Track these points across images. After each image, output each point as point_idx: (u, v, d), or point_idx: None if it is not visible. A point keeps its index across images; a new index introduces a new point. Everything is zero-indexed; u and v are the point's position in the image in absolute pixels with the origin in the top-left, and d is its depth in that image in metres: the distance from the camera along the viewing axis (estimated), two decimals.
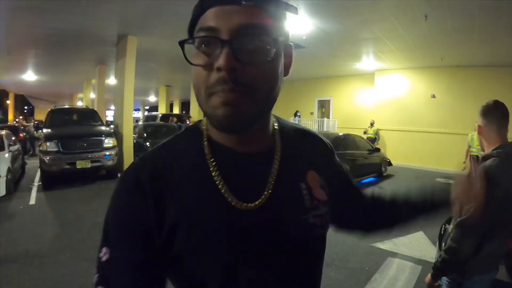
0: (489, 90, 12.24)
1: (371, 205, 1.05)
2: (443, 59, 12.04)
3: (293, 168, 0.80)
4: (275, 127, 0.84)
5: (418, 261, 4.62)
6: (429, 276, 1.94)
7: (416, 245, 5.27)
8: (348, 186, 1.03)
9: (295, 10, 0.71)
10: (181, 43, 0.70)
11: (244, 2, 0.62)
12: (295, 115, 17.27)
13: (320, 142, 0.95)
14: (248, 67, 0.62)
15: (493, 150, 1.88)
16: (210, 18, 0.64)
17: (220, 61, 0.60)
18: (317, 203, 0.80)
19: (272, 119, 0.84)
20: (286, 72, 0.75)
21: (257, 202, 0.71)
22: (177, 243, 0.67)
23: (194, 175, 0.72)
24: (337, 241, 5.12)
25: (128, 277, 0.65)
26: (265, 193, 0.72)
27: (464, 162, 8.50)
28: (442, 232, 2.34)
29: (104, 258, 0.66)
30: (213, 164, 0.72)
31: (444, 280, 1.98)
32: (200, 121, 0.83)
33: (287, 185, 0.77)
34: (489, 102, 1.98)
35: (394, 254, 4.88)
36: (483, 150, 2.01)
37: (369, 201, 1.06)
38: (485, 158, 1.91)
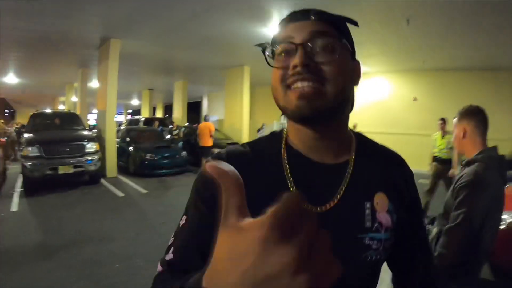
0: (470, 93, 12.51)
1: (422, 274, 0.92)
2: (425, 62, 12.21)
3: (362, 185, 0.81)
4: (353, 141, 0.87)
5: None
6: None
7: None
8: (413, 231, 0.89)
9: (355, 23, 0.81)
10: (263, 50, 0.80)
11: (313, 17, 0.75)
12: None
13: (399, 165, 0.91)
14: (319, 65, 0.72)
15: (477, 155, 1.92)
16: (287, 31, 0.76)
17: (296, 59, 0.71)
18: (379, 227, 0.79)
19: (351, 134, 0.89)
20: (356, 82, 0.82)
21: (318, 209, 0.76)
22: None
23: (269, 171, 0.81)
24: None
25: (191, 236, 0.79)
26: (330, 203, 0.77)
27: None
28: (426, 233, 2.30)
29: (181, 224, 0.83)
30: (287, 166, 0.81)
31: None
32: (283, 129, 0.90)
33: (351, 201, 0.79)
34: (472, 106, 2.03)
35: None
36: (462, 153, 2.05)
37: (422, 267, 0.92)
38: (470, 163, 1.94)
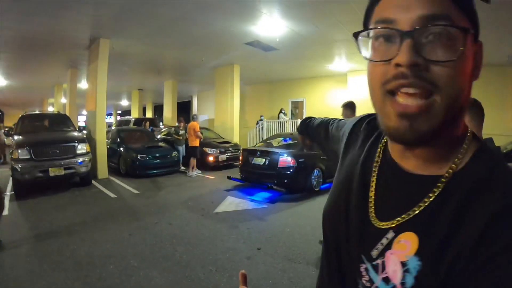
0: None
1: None
2: None
3: (441, 219, 0.55)
4: (467, 152, 0.61)
5: None
6: None
7: None
8: None
9: None
10: (355, 35, 0.62)
11: None
12: (260, 119, 17.16)
13: (498, 216, 0.50)
14: (431, 65, 0.53)
15: None
16: (386, 7, 0.57)
17: (400, 56, 0.53)
18: (378, 267, 0.61)
19: (476, 146, 0.62)
20: (475, 75, 0.59)
21: (381, 225, 0.63)
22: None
23: (361, 167, 0.75)
24: (316, 239, 5.20)
25: None
26: (393, 221, 0.61)
27: None
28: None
29: None
30: (375, 170, 0.71)
31: None
32: None
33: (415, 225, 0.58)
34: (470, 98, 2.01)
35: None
36: None
37: None
38: None
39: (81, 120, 23.03)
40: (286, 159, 8.31)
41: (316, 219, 6.34)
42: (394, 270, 0.56)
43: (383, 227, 0.62)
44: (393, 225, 0.60)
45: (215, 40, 10.58)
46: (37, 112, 12.76)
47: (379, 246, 0.61)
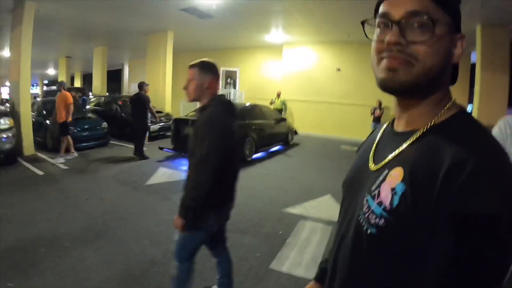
0: None
1: None
2: (349, 35, 12.66)
3: (403, 157, 0.78)
4: (443, 118, 0.78)
5: (328, 222, 5.02)
6: None
7: (325, 208, 5.74)
8: (425, 249, 0.66)
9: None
10: (362, 23, 0.88)
11: None
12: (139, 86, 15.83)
13: (460, 160, 0.64)
14: (411, 45, 0.75)
15: (211, 100, 2.43)
16: (386, 5, 0.80)
17: (388, 37, 0.77)
18: (375, 195, 0.78)
19: (451, 112, 0.79)
20: (454, 57, 0.81)
21: (372, 167, 0.88)
22: None
23: (374, 136, 1.01)
24: (249, 208, 5.34)
25: None
26: (385, 160, 0.83)
27: None
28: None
29: None
30: (381, 135, 0.97)
31: None
32: None
33: (386, 167, 0.81)
34: (208, 61, 2.48)
35: (305, 218, 5.23)
36: (198, 100, 2.49)
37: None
38: (204, 108, 2.43)
39: (5, 92, 21.19)
40: None
41: (249, 189, 6.46)
42: (386, 195, 0.75)
43: (377, 168, 0.85)
44: (384, 164, 0.83)
45: (149, 5, 10.06)
46: None
47: (377, 182, 0.80)
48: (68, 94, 8.90)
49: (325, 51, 15.31)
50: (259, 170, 8.31)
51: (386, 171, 0.79)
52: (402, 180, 0.72)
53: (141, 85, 9.24)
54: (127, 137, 11.23)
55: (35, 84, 36.23)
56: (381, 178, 0.79)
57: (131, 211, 5.29)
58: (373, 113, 13.17)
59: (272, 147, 10.74)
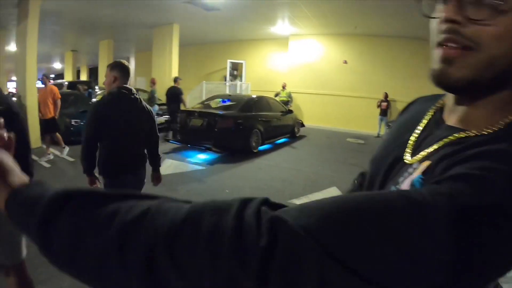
0: (399, 60, 13.38)
1: None
2: (356, 28, 12.58)
3: (439, 156, 0.63)
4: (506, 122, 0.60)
5: None
6: None
7: None
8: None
9: None
10: None
11: None
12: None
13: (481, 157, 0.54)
14: (472, 25, 0.56)
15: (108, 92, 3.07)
16: None
17: (445, 13, 0.58)
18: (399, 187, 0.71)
19: None
20: None
21: (408, 160, 0.73)
22: None
23: (415, 118, 0.81)
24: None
25: None
26: (421, 154, 0.69)
27: None
28: (354, 188, 2.47)
29: None
30: (424, 123, 0.77)
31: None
32: None
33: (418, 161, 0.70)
34: (120, 61, 3.16)
35: None
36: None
37: None
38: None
39: (11, 87, 21.29)
40: (223, 121, 8.29)
41: (254, 180, 6.47)
42: (405, 186, 0.67)
43: (411, 162, 0.70)
44: (419, 159, 0.68)
45: None
46: None
47: (406, 174, 0.69)
48: (55, 88, 8.48)
49: (332, 43, 15.15)
50: (266, 161, 8.28)
51: (418, 164, 0.67)
52: (422, 173, 0.64)
53: (175, 79, 11.07)
54: None
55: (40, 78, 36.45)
56: (410, 170, 0.69)
57: None
58: (379, 106, 13.08)
59: (279, 139, 10.70)
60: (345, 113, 14.79)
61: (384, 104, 12.97)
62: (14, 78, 16.50)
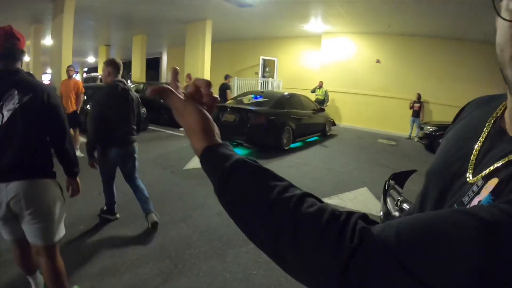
0: (433, 60, 13.03)
1: None
2: (390, 27, 12.35)
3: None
4: None
5: None
6: None
7: (362, 200, 5.63)
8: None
9: None
10: None
11: None
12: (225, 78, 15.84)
13: None
14: None
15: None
16: None
17: None
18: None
19: None
20: None
21: (470, 179, 0.64)
22: None
23: (473, 127, 0.72)
24: None
25: None
26: (487, 170, 0.61)
27: None
28: (386, 188, 2.43)
29: None
30: (484, 134, 0.68)
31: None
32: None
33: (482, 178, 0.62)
34: (112, 58, 4.05)
35: (341, 209, 5.08)
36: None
37: None
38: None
39: (46, 80, 21.98)
40: (256, 117, 8.28)
41: (285, 177, 6.37)
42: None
43: (474, 181, 0.62)
44: (483, 176, 0.61)
45: None
46: None
47: (470, 193, 0.61)
48: (79, 82, 8.21)
49: (365, 42, 14.91)
50: (296, 159, 8.23)
51: (483, 182, 0.61)
52: (491, 192, 0.57)
53: (226, 76, 12.24)
54: (165, 123, 11.48)
55: (75, 72, 37.34)
56: (475, 188, 0.62)
57: (168, 194, 5.37)
58: (412, 107, 12.82)
59: (310, 137, 10.65)
60: (377, 113, 14.57)
61: (417, 105, 12.70)
62: (48, 70, 16.95)
